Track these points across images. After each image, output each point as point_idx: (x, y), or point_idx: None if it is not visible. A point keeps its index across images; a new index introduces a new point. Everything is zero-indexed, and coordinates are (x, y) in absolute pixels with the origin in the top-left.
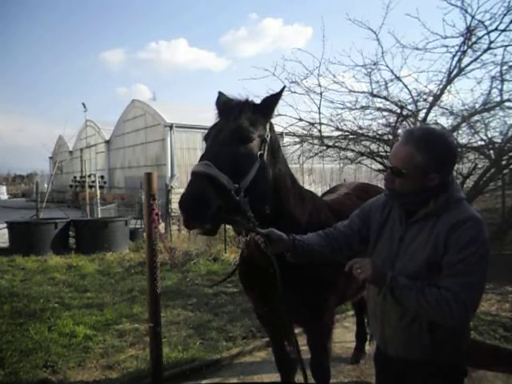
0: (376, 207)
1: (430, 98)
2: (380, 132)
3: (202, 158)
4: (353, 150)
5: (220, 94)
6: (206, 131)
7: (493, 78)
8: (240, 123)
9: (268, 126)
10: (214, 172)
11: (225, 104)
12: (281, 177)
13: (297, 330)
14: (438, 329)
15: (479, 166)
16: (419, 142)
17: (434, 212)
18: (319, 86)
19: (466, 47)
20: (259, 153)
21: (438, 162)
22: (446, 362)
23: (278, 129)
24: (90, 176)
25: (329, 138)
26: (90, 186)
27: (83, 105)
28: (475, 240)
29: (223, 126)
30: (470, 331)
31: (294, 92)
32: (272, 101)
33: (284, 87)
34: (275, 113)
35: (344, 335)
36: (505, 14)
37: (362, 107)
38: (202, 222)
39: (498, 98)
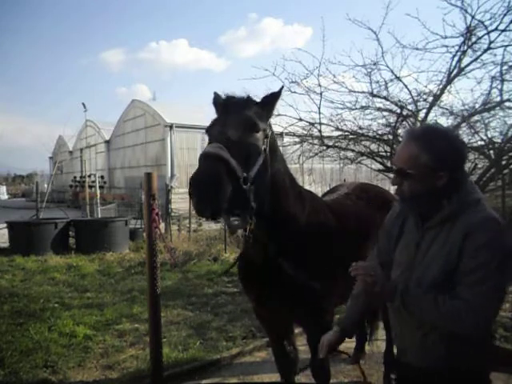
0: (392, 219)
1: (430, 98)
2: (380, 132)
3: (213, 141)
4: (353, 150)
5: (216, 94)
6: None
7: (493, 78)
8: (247, 112)
9: (268, 124)
10: (227, 156)
11: (228, 99)
12: (279, 176)
13: (297, 330)
14: (455, 339)
15: (479, 165)
16: (421, 140)
17: (450, 215)
18: (319, 85)
19: (466, 47)
20: (263, 147)
21: (443, 159)
22: (463, 371)
23: (277, 129)
24: (90, 176)
25: (329, 138)
26: (90, 186)
27: (83, 105)
28: (490, 244)
29: (229, 117)
30: (492, 338)
31: (294, 92)
32: (272, 99)
33: (283, 86)
34: (275, 112)
35: None
36: (505, 14)
37: (362, 107)
38: (214, 208)
39: (498, 98)
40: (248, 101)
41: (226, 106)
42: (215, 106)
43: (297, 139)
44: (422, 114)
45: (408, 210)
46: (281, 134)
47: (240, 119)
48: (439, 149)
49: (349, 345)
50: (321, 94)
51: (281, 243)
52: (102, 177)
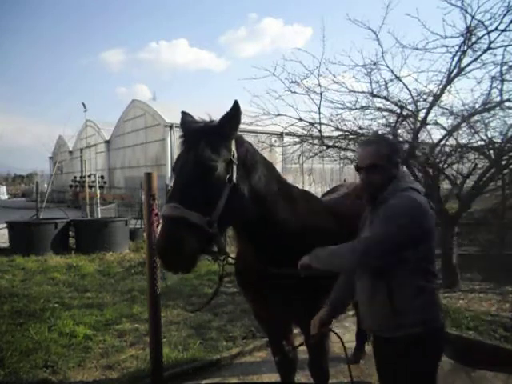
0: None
1: (430, 98)
2: (380, 132)
3: (170, 198)
4: (353, 150)
5: (183, 113)
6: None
7: (493, 78)
8: (200, 154)
9: (233, 144)
10: (183, 213)
11: (186, 130)
12: (262, 184)
13: (296, 330)
14: (397, 299)
15: (479, 165)
16: (377, 141)
17: (384, 198)
18: (319, 85)
19: (466, 47)
20: (227, 176)
21: (394, 151)
22: (411, 334)
23: (277, 129)
24: (90, 176)
25: (329, 138)
26: (90, 186)
27: (83, 105)
28: (395, 210)
29: (186, 159)
30: (437, 305)
31: (294, 92)
32: (229, 120)
33: (236, 101)
34: (275, 112)
35: (344, 335)
36: (505, 14)
37: (362, 107)
38: (179, 267)
39: (498, 98)
40: (204, 131)
41: (184, 139)
42: (180, 128)
43: (297, 139)
44: (421, 114)
45: (367, 198)
46: (281, 134)
47: (194, 165)
48: (390, 145)
49: (349, 345)
50: (321, 94)
51: (273, 247)
52: (102, 177)
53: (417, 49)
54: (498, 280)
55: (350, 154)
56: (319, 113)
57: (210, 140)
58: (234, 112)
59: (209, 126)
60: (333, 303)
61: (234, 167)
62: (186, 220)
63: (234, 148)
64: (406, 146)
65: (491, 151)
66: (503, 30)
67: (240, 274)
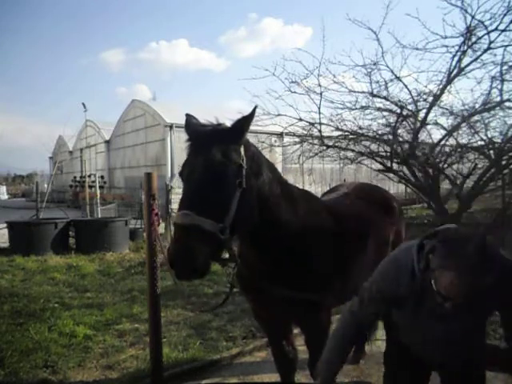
0: (397, 293)
1: (430, 98)
2: (380, 132)
3: (182, 205)
4: (353, 150)
5: (188, 116)
6: (181, 168)
7: (493, 78)
8: (211, 159)
9: (242, 149)
10: (196, 221)
11: (192, 134)
12: (266, 186)
13: (296, 330)
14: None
15: (479, 165)
16: (475, 268)
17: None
18: (319, 85)
19: (466, 47)
20: (238, 181)
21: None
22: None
23: (277, 129)
24: (89, 176)
25: (329, 138)
26: (90, 186)
27: (83, 105)
28: None
29: (195, 164)
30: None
31: (294, 92)
32: (242, 125)
33: (255, 107)
34: (275, 112)
35: None
36: (505, 14)
37: (362, 107)
38: (193, 276)
39: (498, 98)
40: (213, 135)
41: (192, 142)
42: (186, 133)
43: (297, 139)
44: (421, 114)
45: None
46: (281, 134)
47: (205, 170)
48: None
49: None
50: (321, 94)
51: (275, 249)
52: (102, 177)
53: (417, 49)
54: None
55: (349, 154)
56: (319, 113)
57: (220, 144)
58: (250, 117)
59: (218, 130)
60: (328, 380)
61: (244, 171)
62: (199, 227)
63: (242, 152)
64: (406, 146)
65: (491, 151)
66: (503, 30)
67: (241, 274)
